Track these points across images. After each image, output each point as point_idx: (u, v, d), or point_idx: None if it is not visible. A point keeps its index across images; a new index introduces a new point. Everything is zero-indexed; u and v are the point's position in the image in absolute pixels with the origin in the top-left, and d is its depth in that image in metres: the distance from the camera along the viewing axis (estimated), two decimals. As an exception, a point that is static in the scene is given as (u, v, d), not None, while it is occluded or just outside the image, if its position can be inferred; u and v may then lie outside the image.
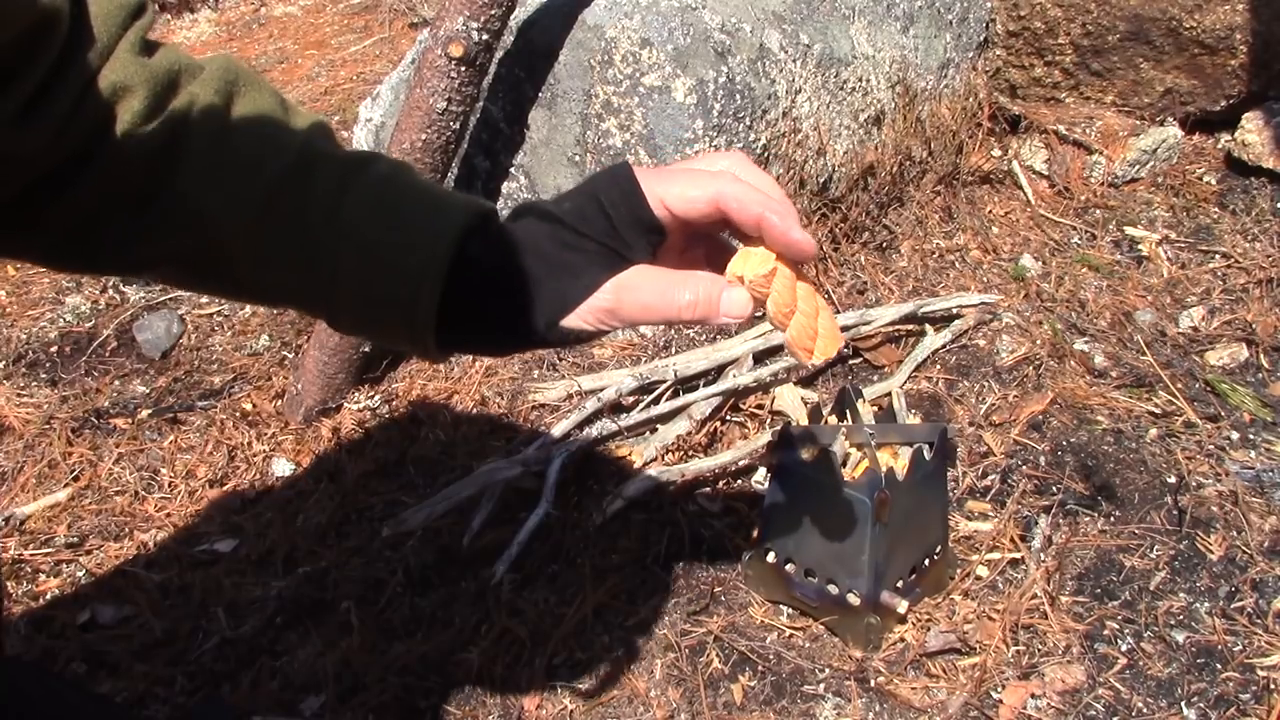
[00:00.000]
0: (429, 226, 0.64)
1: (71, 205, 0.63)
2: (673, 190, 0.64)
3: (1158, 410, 1.53)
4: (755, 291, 0.64)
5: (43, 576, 1.46)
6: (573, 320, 0.64)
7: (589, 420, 1.53)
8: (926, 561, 1.23)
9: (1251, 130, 2.04)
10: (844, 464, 1.28)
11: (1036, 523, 1.35)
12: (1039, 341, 1.68)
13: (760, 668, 1.19)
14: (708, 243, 0.71)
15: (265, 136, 0.66)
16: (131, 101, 0.63)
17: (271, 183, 0.64)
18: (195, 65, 0.67)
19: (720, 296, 0.63)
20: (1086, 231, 2.02)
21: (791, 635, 1.23)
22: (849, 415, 1.34)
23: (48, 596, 1.43)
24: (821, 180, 1.88)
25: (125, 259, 0.67)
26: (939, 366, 1.66)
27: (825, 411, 1.38)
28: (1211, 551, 1.30)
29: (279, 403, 1.76)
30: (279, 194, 0.64)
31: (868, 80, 1.95)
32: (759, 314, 0.66)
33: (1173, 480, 1.41)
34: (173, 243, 0.65)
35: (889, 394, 1.57)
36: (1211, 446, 1.45)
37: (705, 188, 0.63)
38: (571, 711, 1.17)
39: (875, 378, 1.65)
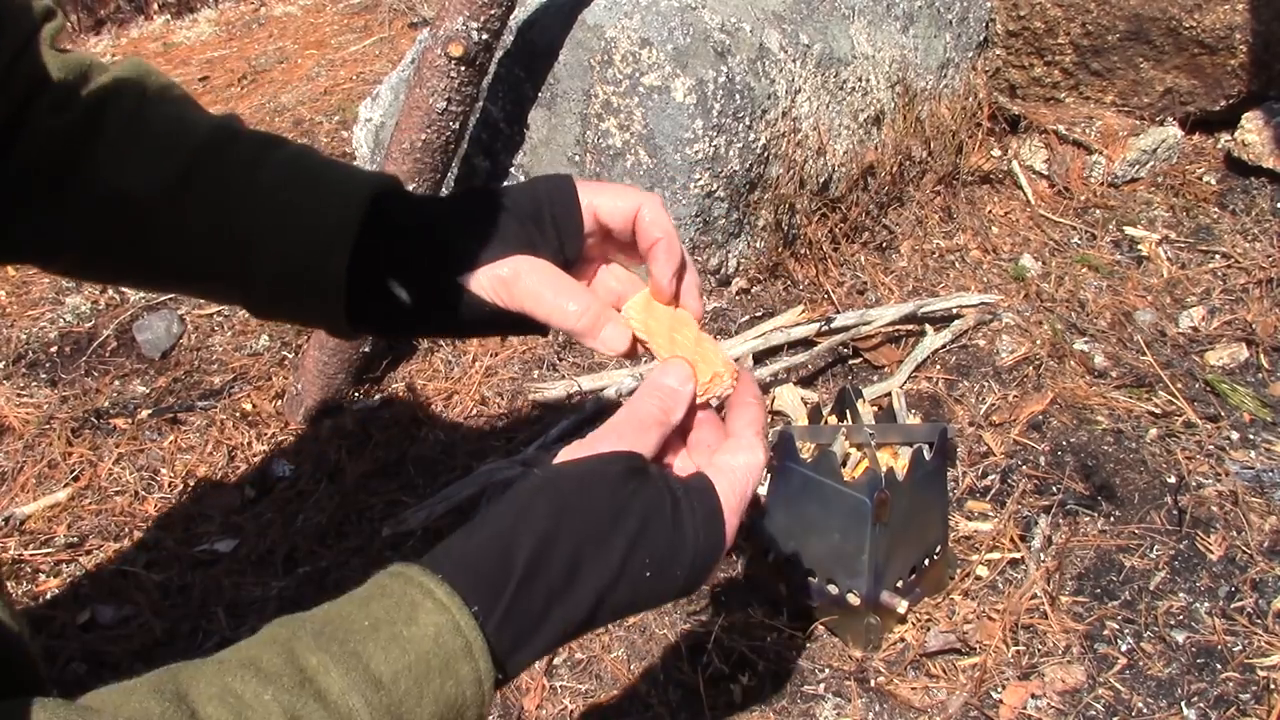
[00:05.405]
0: (343, 187, 0.68)
1: None
2: (601, 199, 0.68)
3: (1158, 410, 1.53)
4: (636, 333, 0.67)
5: (43, 576, 1.46)
6: (472, 281, 0.67)
7: (589, 420, 1.53)
8: (926, 561, 1.23)
9: (1251, 130, 2.04)
10: (844, 464, 1.28)
11: (1036, 523, 1.35)
12: (1039, 341, 1.68)
13: (760, 668, 1.19)
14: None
15: (178, 118, 0.70)
16: (47, 92, 0.67)
17: (188, 158, 0.68)
18: (104, 64, 0.72)
19: (604, 324, 0.66)
20: (1086, 231, 2.02)
21: (791, 635, 1.23)
22: (849, 415, 1.34)
23: (48, 596, 1.43)
24: (821, 180, 1.88)
25: (44, 245, 0.70)
26: (939, 366, 1.66)
27: (825, 411, 1.38)
28: (1211, 551, 1.30)
29: (279, 403, 1.76)
30: (196, 167, 0.68)
31: (867, 80, 1.95)
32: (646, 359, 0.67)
33: (1173, 480, 1.41)
34: (91, 225, 0.68)
35: (889, 394, 1.57)
36: (1211, 446, 1.45)
37: (630, 200, 0.68)
38: (571, 711, 1.17)
39: (875, 378, 1.65)
